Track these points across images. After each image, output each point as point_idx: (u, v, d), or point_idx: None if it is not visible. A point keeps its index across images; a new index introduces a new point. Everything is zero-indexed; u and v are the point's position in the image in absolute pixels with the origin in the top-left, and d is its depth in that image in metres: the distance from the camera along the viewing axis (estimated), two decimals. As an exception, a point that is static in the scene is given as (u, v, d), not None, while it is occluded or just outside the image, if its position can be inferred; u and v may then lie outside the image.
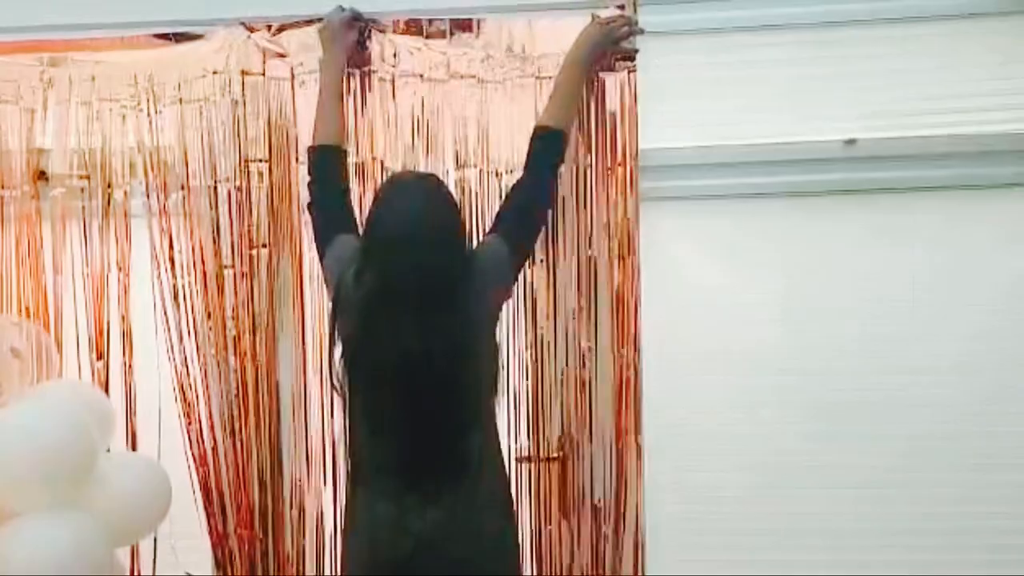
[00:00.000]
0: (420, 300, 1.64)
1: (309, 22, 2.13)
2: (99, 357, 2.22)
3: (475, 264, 1.75)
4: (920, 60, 2.15)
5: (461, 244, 1.74)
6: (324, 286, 2.13)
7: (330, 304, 1.81)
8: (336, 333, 1.75)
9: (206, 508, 2.18)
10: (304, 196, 2.07)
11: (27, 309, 2.22)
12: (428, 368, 1.65)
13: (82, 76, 2.20)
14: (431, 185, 1.76)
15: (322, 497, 2.19)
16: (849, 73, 2.15)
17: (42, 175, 2.23)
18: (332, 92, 2.04)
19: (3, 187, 2.22)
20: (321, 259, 1.92)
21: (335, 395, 2.12)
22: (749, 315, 2.20)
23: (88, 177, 2.21)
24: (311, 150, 2.01)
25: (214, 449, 2.17)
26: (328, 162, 1.98)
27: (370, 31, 2.11)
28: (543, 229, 2.00)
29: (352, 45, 2.08)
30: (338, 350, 1.74)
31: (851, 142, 2.16)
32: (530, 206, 1.90)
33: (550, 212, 2.01)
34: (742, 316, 2.20)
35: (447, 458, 1.70)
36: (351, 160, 2.11)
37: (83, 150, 2.21)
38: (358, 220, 1.96)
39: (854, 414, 2.18)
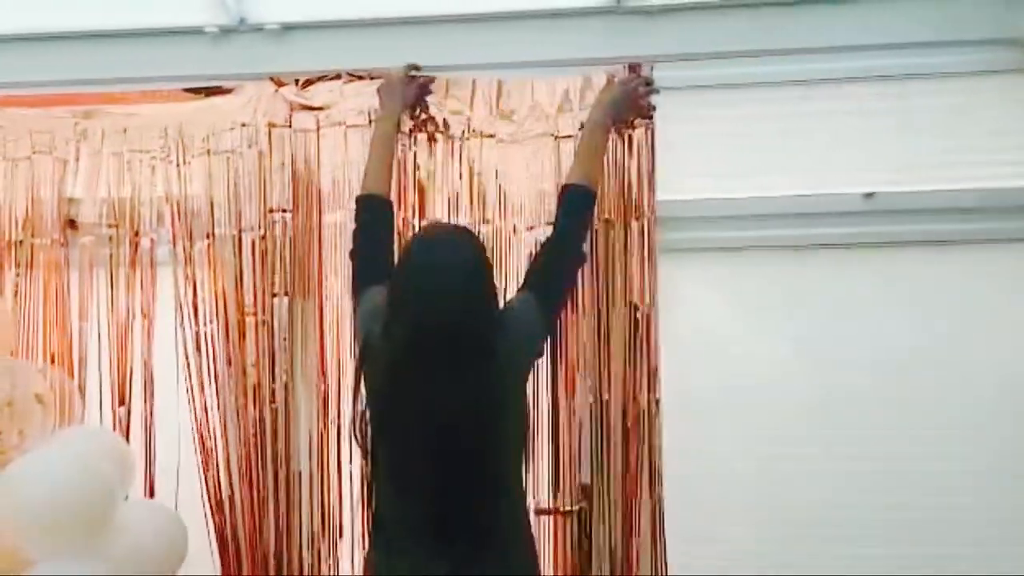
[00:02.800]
0: (445, 357, 1.61)
1: (336, 76, 2.19)
2: (121, 403, 2.23)
3: (505, 320, 1.72)
4: (940, 115, 2.16)
5: (489, 299, 1.70)
6: (340, 335, 2.18)
7: (356, 355, 1.79)
8: (362, 385, 1.72)
9: (221, 557, 2.17)
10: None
11: (52, 355, 2.25)
12: (454, 427, 1.62)
13: (115, 128, 2.25)
14: (460, 238, 1.73)
15: (338, 548, 2.17)
16: (868, 127, 2.17)
17: (72, 223, 2.28)
18: (385, 144, 2.04)
19: (34, 235, 2.27)
20: (354, 309, 1.89)
21: (355, 445, 2.16)
22: (766, 367, 2.19)
23: (117, 226, 2.25)
24: (358, 199, 1.98)
25: (231, 497, 2.17)
26: (372, 211, 1.95)
27: (429, 87, 2.15)
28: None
29: (413, 101, 2.12)
30: (363, 403, 1.72)
31: (870, 195, 2.17)
32: (561, 263, 1.87)
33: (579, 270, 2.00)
34: (758, 368, 2.19)
35: (472, 521, 1.65)
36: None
37: (113, 199, 2.25)
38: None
39: (873, 466, 2.16)
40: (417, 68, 2.13)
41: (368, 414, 1.72)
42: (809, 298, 2.21)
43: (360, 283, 1.87)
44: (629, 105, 2.04)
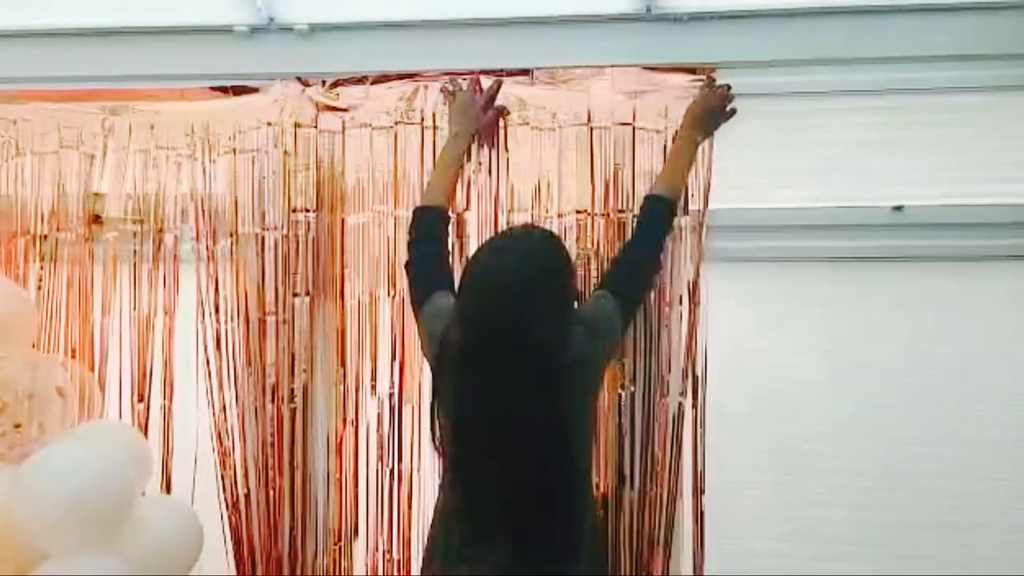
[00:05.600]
0: (507, 360, 1.60)
1: (363, 79, 2.18)
2: (140, 399, 2.24)
3: (579, 321, 1.72)
4: (970, 128, 2.13)
5: (557, 302, 1.68)
6: (360, 336, 2.17)
7: (432, 362, 1.77)
8: (437, 390, 1.71)
9: (236, 555, 2.17)
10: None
11: (73, 349, 2.26)
12: (518, 429, 1.60)
13: (141, 124, 2.26)
14: (532, 240, 1.72)
15: (353, 549, 2.16)
16: (898, 139, 2.15)
17: (97, 219, 2.28)
18: (454, 165, 2.04)
19: (59, 229, 2.28)
20: (417, 317, 1.88)
21: (372, 446, 2.16)
22: (793, 378, 2.17)
23: (141, 222, 2.26)
24: (416, 210, 1.99)
25: (247, 496, 2.17)
26: (431, 223, 1.95)
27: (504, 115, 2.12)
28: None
29: (484, 128, 2.09)
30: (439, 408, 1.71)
31: (898, 209, 2.14)
32: (640, 267, 1.93)
33: (656, 276, 2.03)
34: (786, 379, 2.17)
35: (541, 522, 1.63)
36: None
37: (138, 196, 2.26)
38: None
39: (900, 480, 2.13)
40: (480, 88, 2.09)
41: (440, 414, 1.70)
42: (836, 310, 2.18)
43: (421, 293, 1.87)
44: (712, 116, 2.04)
